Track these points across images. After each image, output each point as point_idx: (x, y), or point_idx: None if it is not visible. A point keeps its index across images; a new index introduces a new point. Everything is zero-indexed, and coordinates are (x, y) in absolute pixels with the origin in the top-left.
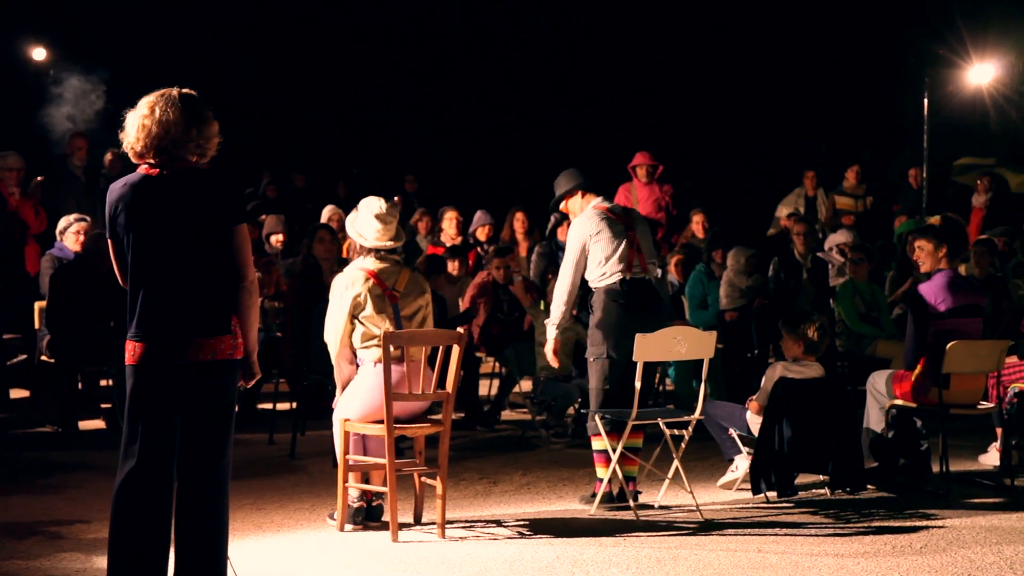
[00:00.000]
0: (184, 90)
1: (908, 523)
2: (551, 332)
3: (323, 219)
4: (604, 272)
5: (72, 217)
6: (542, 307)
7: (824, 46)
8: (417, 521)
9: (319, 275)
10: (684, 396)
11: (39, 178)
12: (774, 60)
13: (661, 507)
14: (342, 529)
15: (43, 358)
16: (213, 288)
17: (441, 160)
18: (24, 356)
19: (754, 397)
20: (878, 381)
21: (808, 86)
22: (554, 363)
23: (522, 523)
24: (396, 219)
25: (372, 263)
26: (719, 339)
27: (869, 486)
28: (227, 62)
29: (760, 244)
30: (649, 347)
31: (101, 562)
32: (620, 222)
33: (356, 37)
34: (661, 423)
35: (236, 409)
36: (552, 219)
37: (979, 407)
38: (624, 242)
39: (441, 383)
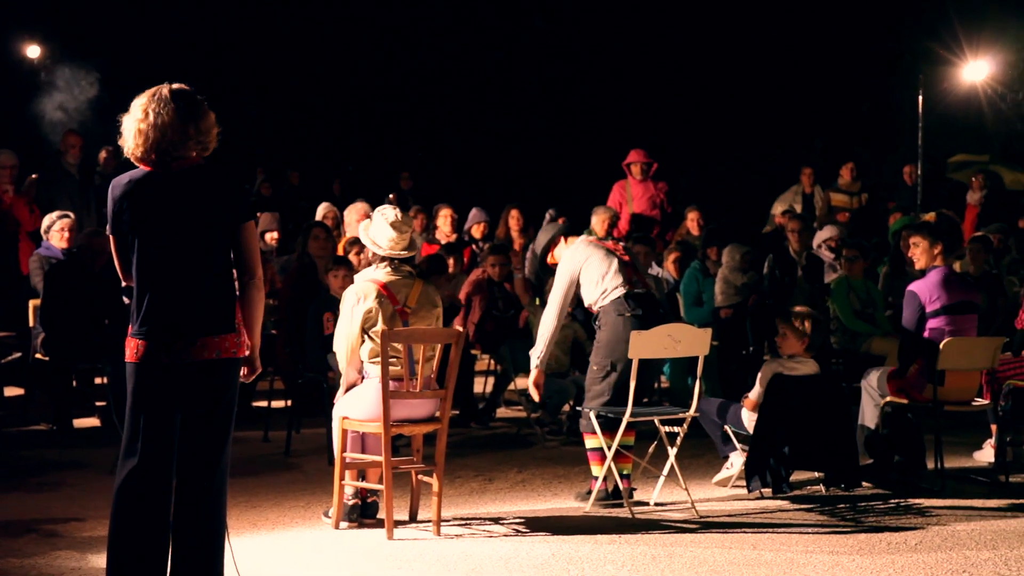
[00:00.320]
0: (175, 86)
1: (903, 520)
2: (533, 363)
3: (318, 217)
4: (604, 290)
5: (55, 215)
6: (538, 303)
7: (819, 43)
8: (413, 519)
9: (314, 273)
10: (679, 393)
11: (33, 176)
12: (769, 57)
13: (656, 504)
14: (337, 527)
15: (37, 356)
16: (219, 286)
17: (436, 158)
18: (18, 354)
19: (749, 394)
20: (873, 378)
21: (803, 83)
22: (535, 396)
23: (518, 520)
24: (411, 229)
25: (384, 274)
26: (714, 336)
27: (864, 483)
28: (222, 59)
29: (755, 241)
30: (645, 344)
31: (96, 560)
32: (612, 248)
33: (351, 34)
34: (656, 420)
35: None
36: (547, 216)
37: (974, 404)
38: (616, 260)
39: (439, 381)
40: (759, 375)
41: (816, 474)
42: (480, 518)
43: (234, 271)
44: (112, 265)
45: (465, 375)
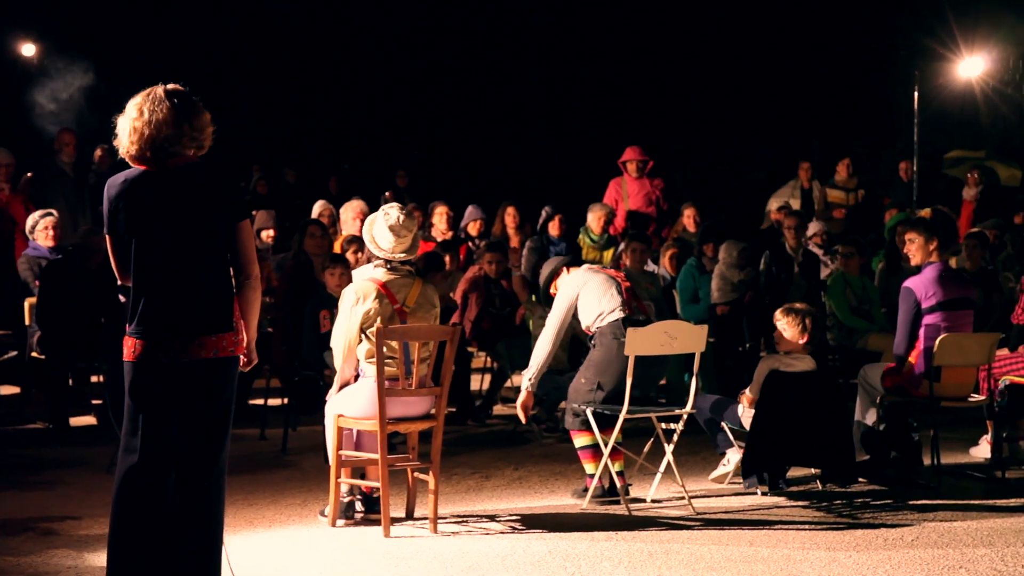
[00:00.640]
0: (170, 86)
1: (899, 516)
2: (524, 385)
3: (314, 214)
4: (601, 312)
5: (38, 214)
6: (534, 299)
7: (814, 39)
8: (409, 516)
9: (310, 271)
10: (675, 390)
11: (28, 174)
12: (765, 54)
13: (653, 501)
14: (334, 524)
15: (33, 354)
16: (216, 285)
17: (432, 155)
18: (14, 352)
19: (746, 390)
20: (869, 374)
21: (799, 80)
22: (522, 418)
23: (514, 518)
24: (413, 232)
25: (383, 274)
26: (710, 333)
27: (860, 479)
28: (217, 57)
29: (751, 238)
30: (640, 341)
31: (93, 558)
32: (610, 274)
33: (347, 32)
34: (653, 417)
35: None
36: (544, 213)
37: (970, 400)
38: (616, 285)
39: (434, 379)
40: (755, 372)
41: (812, 470)
42: (477, 515)
43: (231, 270)
44: (108, 263)
45: (462, 372)
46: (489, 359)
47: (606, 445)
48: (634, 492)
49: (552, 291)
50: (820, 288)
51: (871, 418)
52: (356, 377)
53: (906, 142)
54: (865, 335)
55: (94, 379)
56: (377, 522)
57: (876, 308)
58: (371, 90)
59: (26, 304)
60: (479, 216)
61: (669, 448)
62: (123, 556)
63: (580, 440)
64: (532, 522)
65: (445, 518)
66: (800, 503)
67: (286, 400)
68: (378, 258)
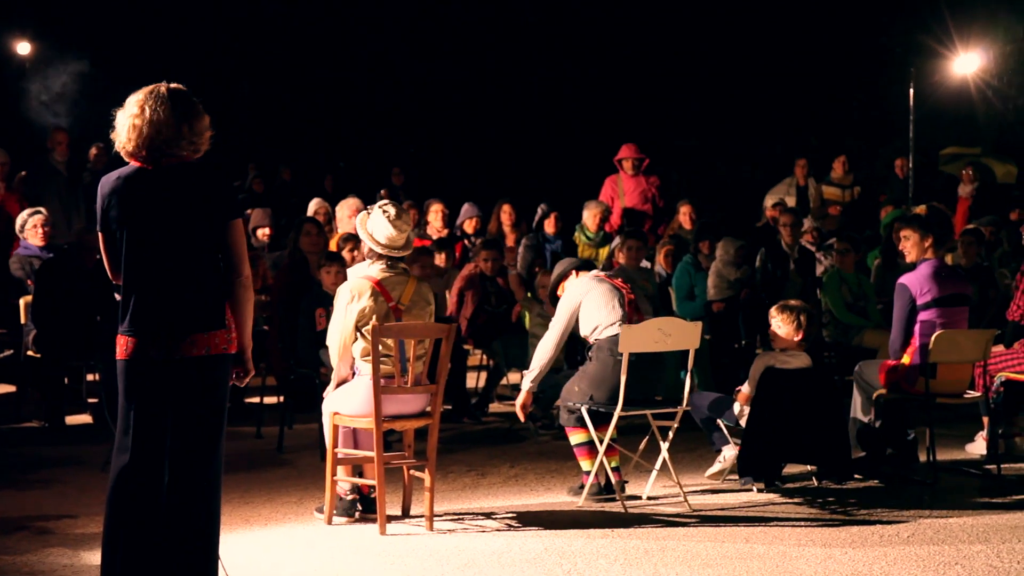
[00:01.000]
0: (172, 85)
1: (895, 513)
2: (525, 386)
3: (309, 212)
4: (599, 325)
5: (26, 213)
6: (530, 296)
7: (810, 37)
8: (405, 514)
9: (306, 269)
10: (671, 387)
11: (22, 173)
12: (761, 51)
13: (649, 498)
14: (330, 522)
15: (29, 353)
16: (208, 282)
17: (427, 153)
18: (10, 351)
19: (742, 388)
20: (865, 371)
21: (795, 77)
22: (521, 417)
23: (510, 515)
24: (409, 227)
25: (378, 271)
26: (706, 330)
27: (856, 476)
28: (214, 56)
29: (747, 235)
30: (634, 338)
31: (88, 557)
32: (616, 284)
33: (343, 30)
34: (649, 415)
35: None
36: (539, 211)
37: (966, 396)
38: (618, 297)
39: (430, 376)
40: (751, 369)
41: (808, 467)
42: (473, 513)
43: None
44: (103, 262)
45: (457, 370)
46: (485, 357)
47: (601, 442)
48: (630, 489)
49: (559, 292)
50: (816, 285)
51: (867, 415)
52: (352, 375)
53: (902, 139)
54: (860, 332)
55: (90, 377)
56: (373, 520)
57: (872, 305)
58: (367, 88)
59: (21, 303)
60: (475, 214)
61: (665, 445)
62: (117, 555)
63: (575, 437)
64: (528, 519)
65: (441, 516)
66: (796, 500)
67: (282, 398)
68: (375, 253)
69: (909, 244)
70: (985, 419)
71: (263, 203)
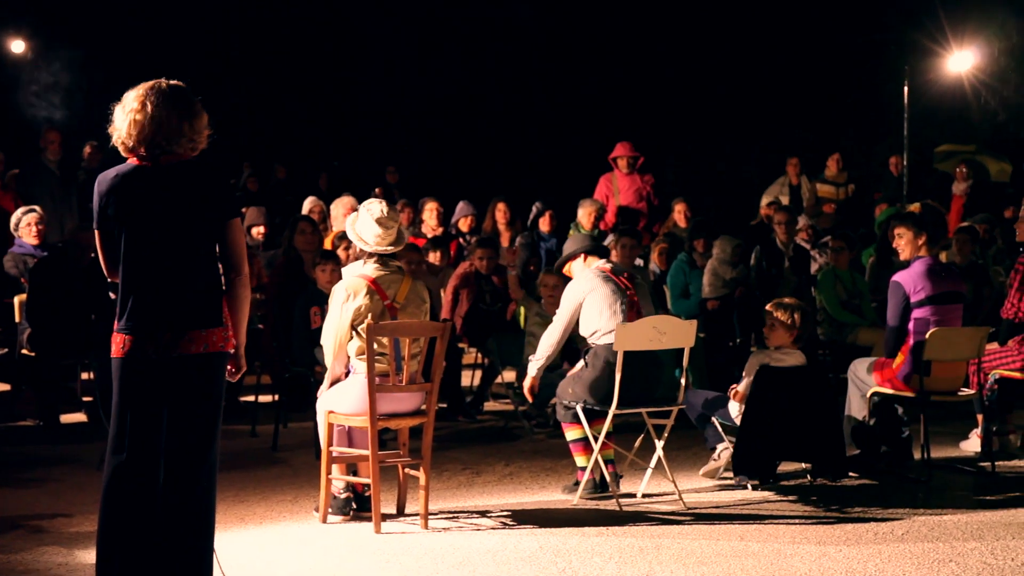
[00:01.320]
0: (173, 82)
1: (889, 510)
2: (531, 372)
3: (304, 211)
4: (598, 330)
5: (21, 211)
6: (523, 293)
7: (804, 35)
8: (400, 512)
9: (300, 267)
10: (666, 385)
11: (15, 171)
12: (755, 49)
13: (644, 496)
14: (325, 521)
15: (23, 352)
16: (207, 280)
17: (422, 151)
18: (4, 350)
19: (736, 386)
20: (859, 369)
21: (789, 74)
22: (529, 398)
23: (505, 513)
24: (397, 223)
25: (372, 270)
26: (701, 328)
27: (851, 474)
28: (208, 53)
29: (742, 233)
30: (629, 336)
31: (83, 556)
32: (621, 283)
33: (338, 29)
34: (644, 413)
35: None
36: (534, 209)
37: (960, 394)
38: (621, 299)
39: (425, 374)
40: (746, 367)
41: (803, 465)
42: (468, 511)
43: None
44: (98, 260)
45: (452, 368)
46: (480, 355)
47: (596, 440)
48: (625, 487)
49: (566, 271)
50: (810, 283)
51: (861, 412)
52: (347, 374)
53: (896, 136)
54: (855, 329)
55: (84, 376)
56: (368, 518)
57: (866, 302)
58: (361, 86)
59: (16, 301)
60: (470, 212)
61: (660, 443)
62: (112, 554)
63: (571, 433)
64: (523, 518)
65: (436, 514)
66: (790, 498)
67: (277, 397)
68: (367, 254)
69: (903, 242)
70: (979, 416)
71: (258, 201)
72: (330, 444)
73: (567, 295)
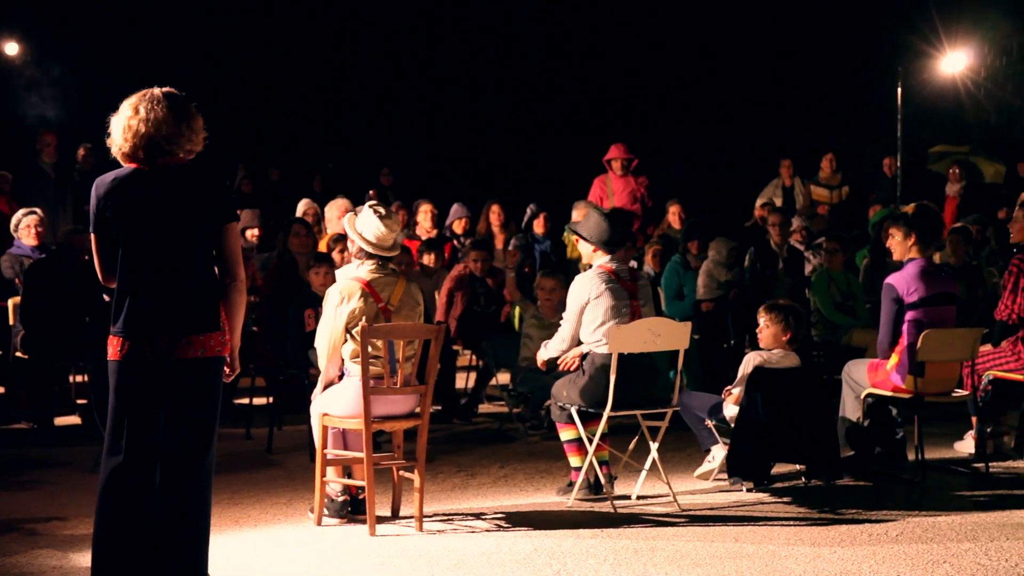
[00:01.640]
0: (166, 89)
1: (884, 512)
2: (542, 355)
3: (298, 213)
4: (599, 340)
5: (22, 212)
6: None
7: (798, 36)
8: (395, 514)
9: (295, 269)
10: (661, 387)
11: (7, 174)
12: (749, 50)
13: (638, 498)
14: (319, 523)
15: (17, 354)
16: (204, 284)
17: (416, 153)
18: None
19: (730, 387)
20: (854, 370)
21: (783, 76)
22: (542, 366)
23: (500, 515)
24: (398, 227)
25: (367, 272)
26: (695, 330)
27: (845, 475)
28: (203, 56)
29: (736, 235)
30: (624, 338)
31: (77, 559)
32: (625, 288)
33: (332, 31)
34: (638, 415)
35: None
36: (528, 211)
37: (954, 395)
38: (624, 306)
39: (419, 377)
40: (740, 368)
41: (797, 467)
42: (462, 513)
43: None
44: (92, 263)
45: (447, 371)
46: (474, 357)
47: (590, 442)
48: (619, 489)
49: (574, 240)
50: (804, 284)
51: (855, 414)
52: (341, 376)
53: (890, 138)
54: (849, 331)
55: (79, 379)
56: (363, 521)
57: (860, 304)
58: (355, 89)
59: (10, 303)
60: (464, 214)
61: (654, 445)
62: (107, 557)
63: (565, 434)
64: (517, 520)
65: (430, 516)
66: (785, 499)
67: (271, 399)
68: (364, 253)
69: (895, 243)
70: (973, 418)
71: (252, 204)
72: (324, 446)
73: (571, 299)
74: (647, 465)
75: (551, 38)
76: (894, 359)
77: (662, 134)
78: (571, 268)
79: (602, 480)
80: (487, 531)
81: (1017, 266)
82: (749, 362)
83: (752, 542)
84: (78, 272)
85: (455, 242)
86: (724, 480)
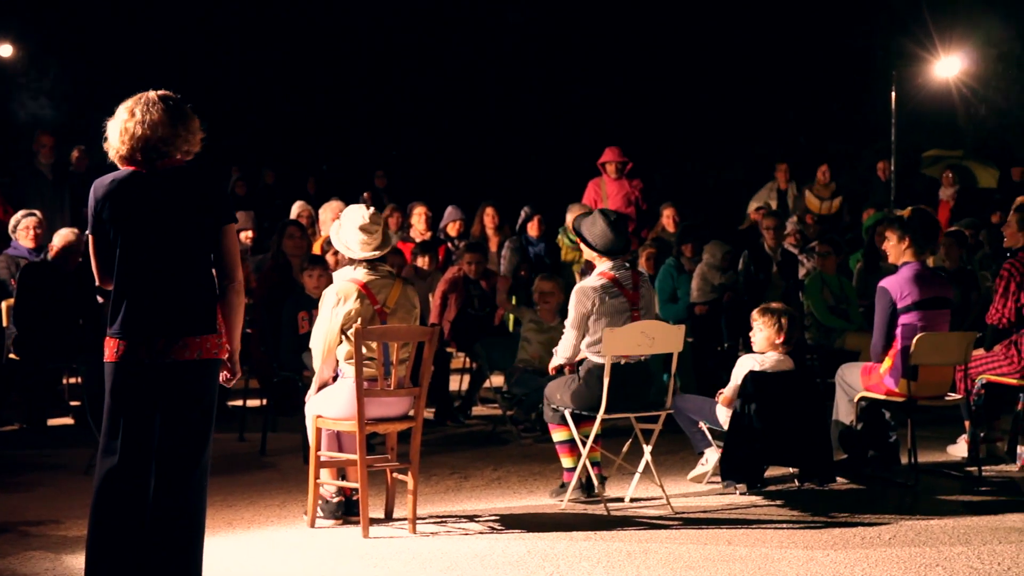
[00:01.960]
0: (160, 91)
1: (877, 515)
2: (555, 363)
3: (292, 215)
4: (599, 351)
5: (20, 214)
6: (514, 302)
7: (792, 40)
8: (388, 517)
9: (289, 271)
10: (655, 390)
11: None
12: (743, 55)
13: (632, 501)
14: (313, 525)
15: (10, 356)
16: (202, 287)
17: (411, 156)
18: None
19: (724, 390)
20: (847, 373)
21: (777, 81)
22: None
23: (493, 518)
24: (381, 227)
25: (363, 274)
26: (689, 332)
27: (838, 478)
28: (196, 58)
29: (730, 238)
30: (618, 341)
31: (70, 561)
32: (627, 297)
33: (326, 34)
34: (632, 417)
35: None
36: (522, 214)
37: (947, 399)
38: (625, 318)
39: (413, 379)
40: (734, 371)
41: (790, 470)
42: (456, 516)
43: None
44: (87, 265)
45: (440, 373)
46: (468, 360)
47: (583, 443)
48: (613, 491)
49: (578, 240)
50: (798, 287)
51: (849, 417)
52: (335, 378)
53: (884, 142)
54: (842, 334)
55: (72, 380)
56: (356, 523)
57: (854, 307)
58: (350, 91)
59: (3, 305)
60: (458, 217)
61: (648, 448)
62: (101, 558)
63: (558, 435)
64: (511, 522)
65: (424, 518)
66: (778, 502)
67: (265, 401)
68: (355, 260)
69: (889, 246)
70: (966, 422)
71: (246, 206)
72: (318, 448)
73: (574, 307)
74: (640, 468)
75: (546, 42)
76: (887, 363)
77: (656, 137)
78: (565, 271)
79: (594, 481)
80: (480, 533)
81: (1008, 270)
82: (742, 365)
83: (745, 545)
84: (72, 274)
85: (449, 244)
86: (717, 483)
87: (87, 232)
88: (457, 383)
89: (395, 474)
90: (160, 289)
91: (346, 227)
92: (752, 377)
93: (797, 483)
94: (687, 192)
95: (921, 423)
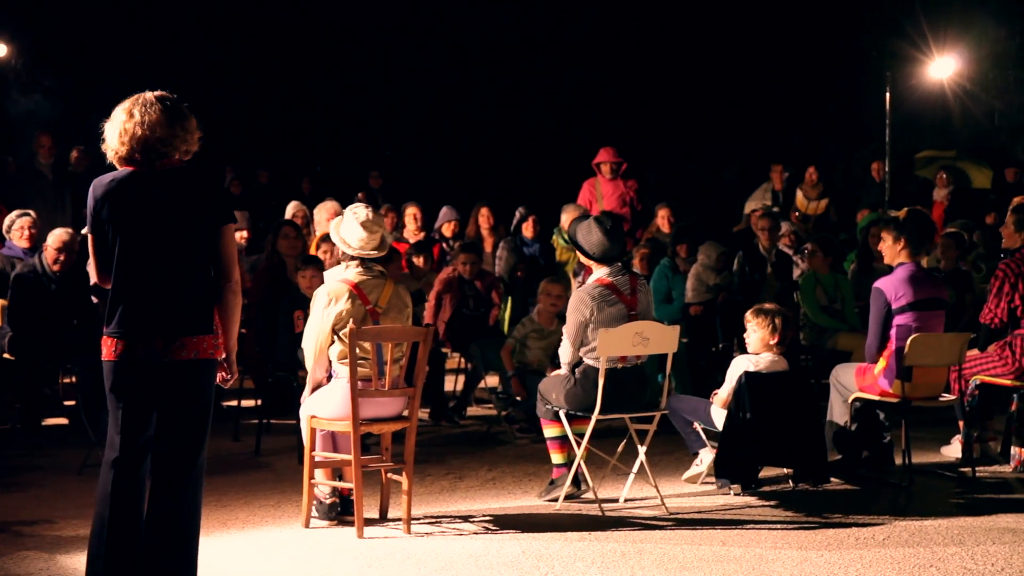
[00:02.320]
0: (158, 92)
1: (871, 516)
2: (562, 372)
3: (287, 215)
4: (597, 357)
5: (15, 214)
6: (510, 302)
7: (786, 41)
8: (383, 517)
9: (283, 272)
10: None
11: None
12: (738, 55)
13: (626, 501)
14: (307, 525)
15: (5, 356)
16: (199, 287)
17: (405, 156)
18: None
19: (719, 391)
20: (842, 374)
21: (772, 81)
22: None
23: (488, 518)
24: (382, 229)
25: (355, 274)
26: (684, 333)
27: (832, 479)
28: (191, 59)
29: (725, 238)
30: (612, 341)
31: (65, 560)
32: (624, 303)
33: (321, 34)
34: (627, 418)
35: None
36: (517, 214)
37: (941, 399)
38: (623, 323)
39: (408, 379)
40: (728, 372)
41: (785, 470)
42: (450, 516)
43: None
44: (80, 265)
45: (435, 373)
46: (463, 360)
47: (577, 443)
48: (607, 492)
49: (577, 253)
50: (793, 288)
51: (843, 418)
52: (328, 378)
53: (878, 143)
54: (836, 334)
55: (67, 380)
56: (351, 523)
57: (849, 307)
58: (345, 91)
59: None
60: (453, 217)
61: (642, 448)
62: (101, 556)
63: (549, 431)
64: (505, 522)
65: (419, 519)
66: (772, 503)
67: (260, 401)
68: (350, 257)
69: (885, 247)
70: (960, 422)
71: (240, 206)
72: (313, 449)
73: (572, 311)
74: (635, 468)
75: (541, 42)
76: (882, 363)
77: (651, 138)
78: (560, 271)
79: (587, 477)
80: (475, 533)
81: (1003, 271)
82: (737, 366)
83: (739, 545)
84: (66, 274)
85: (444, 245)
86: (712, 483)
87: (84, 231)
88: (452, 383)
89: (390, 474)
90: (158, 289)
91: (348, 222)
92: (746, 378)
93: (791, 484)
94: (682, 193)
95: (915, 424)
